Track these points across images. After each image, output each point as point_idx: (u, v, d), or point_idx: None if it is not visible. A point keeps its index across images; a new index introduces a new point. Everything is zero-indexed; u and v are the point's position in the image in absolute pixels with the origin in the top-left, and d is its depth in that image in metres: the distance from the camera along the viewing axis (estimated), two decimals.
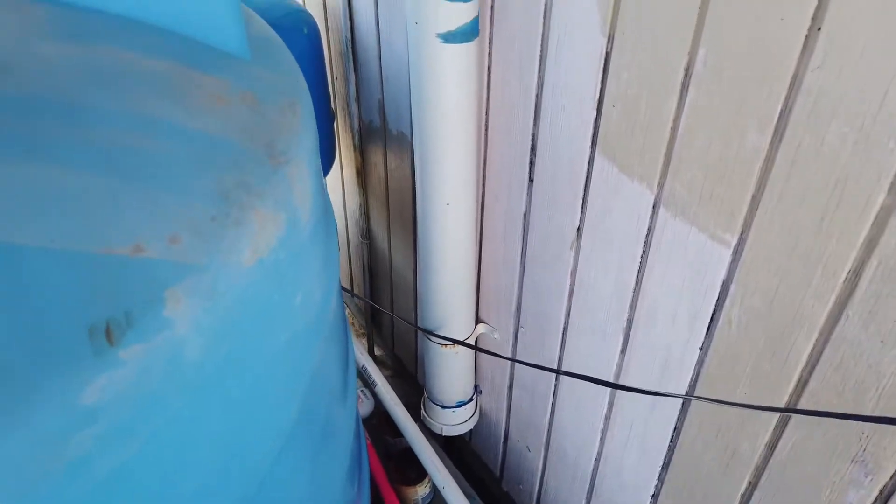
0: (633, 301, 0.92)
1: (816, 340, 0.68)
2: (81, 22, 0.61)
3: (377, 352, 2.04)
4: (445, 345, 1.27)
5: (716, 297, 0.79)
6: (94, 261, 0.46)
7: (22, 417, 0.41)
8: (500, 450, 1.50)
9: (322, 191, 0.76)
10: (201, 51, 0.65)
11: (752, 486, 0.84)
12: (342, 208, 1.85)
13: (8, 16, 0.56)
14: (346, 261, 1.99)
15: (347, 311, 2.22)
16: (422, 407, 1.47)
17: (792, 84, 0.61)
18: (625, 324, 0.95)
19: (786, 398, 0.75)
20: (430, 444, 1.32)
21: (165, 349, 0.48)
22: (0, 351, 0.41)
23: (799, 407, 0.73)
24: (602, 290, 0.97)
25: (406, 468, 1.24)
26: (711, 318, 0.81)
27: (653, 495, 1.04)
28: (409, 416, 1.26)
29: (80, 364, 0.43)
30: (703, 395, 0.86)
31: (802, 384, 0.72)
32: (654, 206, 0.82)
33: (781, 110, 0.63)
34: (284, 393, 0.66)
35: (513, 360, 1.05)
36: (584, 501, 1.24)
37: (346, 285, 2.07)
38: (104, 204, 0.49)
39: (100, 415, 0.45)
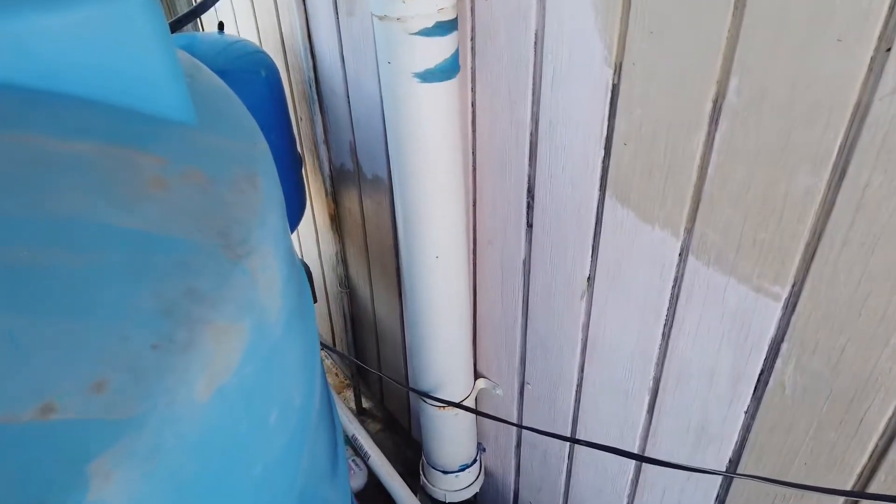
0: (659, 358, 0.81)
1: None
2: None
3: (365, 404, 1.91)
4: (443, 407, 1.15)
5: (763, 357, 0.68)
6: None
7: None
8: None
9: (292, 260, 0.64)
10: (135, 122, 0.53)
11: None
12: (317, 256, 1.72)
13: None
14: (324, 311, 1.85)
15: (329, 362, 2.08)
16: (421, 473, 1.34)
17: (855, 115, 0.51)
18: (651, 382, 0.84)
19: (857, 471, 0.64)
20: None
21: None
22: None
23: (872, 490, 0.62)
24: (622, 344, 0.86)
25: None
26: (758, 380, 0.70)
27: None
28: (407, 489, 1.13)
29: None
30: (749, 470, 0.74)
31: (877, 457, 0.61)
32: (680, 255, 0.71)
33: (841, 145, 0.53)
34: None
35: (520, 426, 0.93)
36: None
37: (327, 337, 1.94)
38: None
39: None
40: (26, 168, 0.44)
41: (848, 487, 0.65)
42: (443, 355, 1.09)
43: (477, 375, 1.22)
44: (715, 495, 0.83)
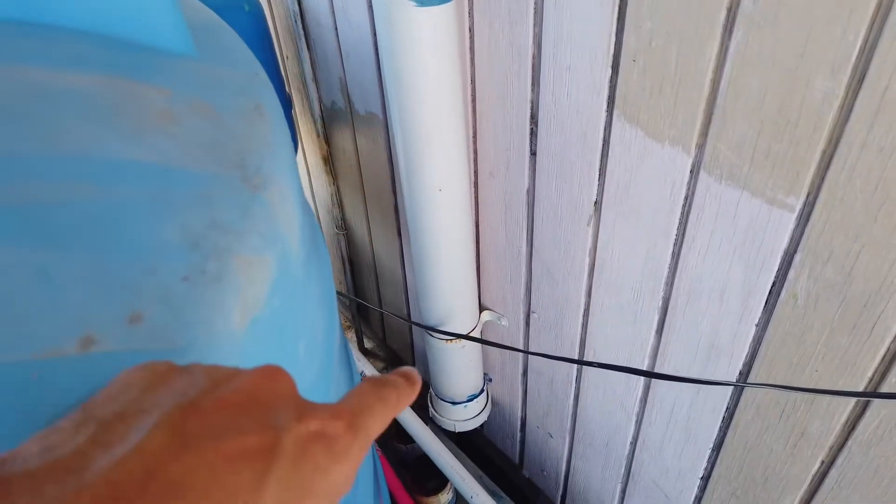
0: (669, 277, 0.82)
1: None
2: None
3: (367, 345, 1.93)
4: (449, 340, 1.16)
5: (776, 269, 0.68)
6: (27, 370, 0.34)
7: None
8: (518, 437, 1.41)
9: (304, 203, 0.63)
10: (134, 53, 0.51)
11: (827, 465, 0.76)
12: (311, 199, 1.70)
13: None
14: None
15: None
16: (430, 405, 1.36)
17: (876, 14, 0.50)
18: (660, 303, 0.85)
19: (868, 374, 0.66)
20: (448, 446, 1.22)
21: None
22: None
23: (884, 390, 0.64)
24: (630, 267, 0.86)
25: (424, 477, 1.14)
26: (770, 293, 0.71)
27: (702, 477, 0.96)
28: (420, 420, 1.15)
29: None
30: (760, 381, 0.76)
31: (889, 359, 0.63)
32: (691, 172, 0.71)
33: (861, 48, 0.52)
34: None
35: (527, 352, 0.94)
36: (619, 486, 1.16)
37: None
38: (32, 288, 0.36)
39: None
40: (27, 102, 0.43)
41: (859, 390, 0.67)
42: (448, 289, 1.10)
43: (482, 308, 1.23)
44: (725, 407, 0.85)
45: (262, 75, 0.59)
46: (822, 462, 0.76)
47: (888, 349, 0.63)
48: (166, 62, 0.51)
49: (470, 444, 1.64)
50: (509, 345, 1.22)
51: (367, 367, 1.27)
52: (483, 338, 1.30)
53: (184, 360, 0.36)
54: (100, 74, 0.48)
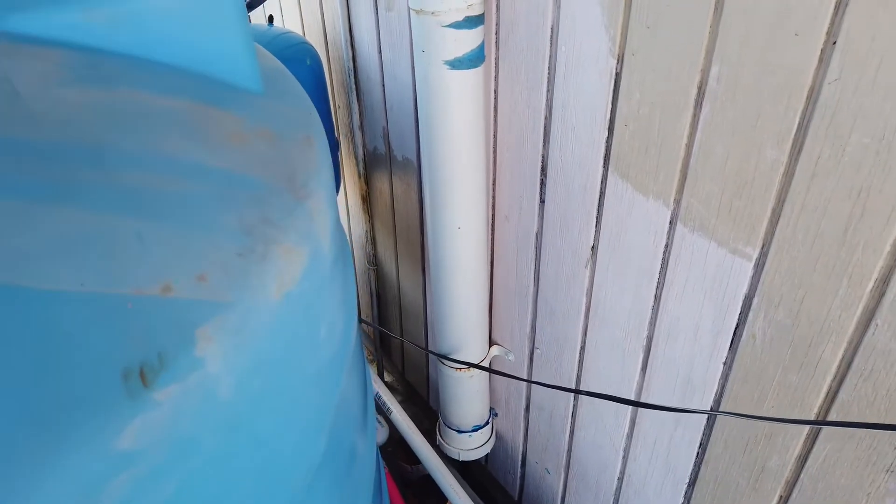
0: (652, 317, 0.92)
1: (845, 351, 0.68)
2: (98, 65, 0.61)
3: (387, 377, 2.03)
4: (460, 368, 1.26)
5: (738, 311, 0.78)
6: (124, 301, 0.46)
7: (58, 464, 0.40)
8: (518, 473, 1.48)
9: (338, 222, 0.76)
10: (216, 87, 0.66)
11: (784, 499, 0.83)
12: (348, 235, 1.85)
13: (28, 62, 0.56)
14: None
15: None
16: (437, 432, 1.46)
17: (809, 98, 0.62)
18: (644, 341, 0.95)
19: (815, 410, 0.74)
20: (450, 470, 1.31)
21: (198, 389, 0.48)
22: (34, 398, 0.41)
23: (829, 419, 0.72)
24: (620, 307, 0.97)
25: (424, 496, 1.23)
26: (735, 333, 0.80)
27: None
28: (426, 442, 1.24)
29: (115, 408, 0.43)
30: (728, 411, 0.85)
31: (832, 396, 0.72)
32: (671, 223, 0.82)
33: (799, 123, 0.63)
34: (314, 425, 0.65)
35: (529, 381, 1.04)
36: None
37: None
38: (132, 245, 0.49)
39: (136, 458, 0.44)
40: (137, 116, 0.57)
41: (811, 416, 0.75)
42: (462, 319, 1.21)
43: (492, 343, 1.34)
44: (699, 440, 0.93)
45: (315, 114, 0.74)
46: (781, 497, 0.84)
47: (829, 387, 0.72)
48: (241, 97, 0.66)
49: (472, 477, 1.71)
50: (510, 381, 1.31)
51: (381, 390, 1.37)
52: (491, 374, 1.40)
53: (233, 314, 0.49)
54: (191, 101, 0.62)
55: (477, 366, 1.21)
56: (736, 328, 0.80)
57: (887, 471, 0.69)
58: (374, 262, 1.71)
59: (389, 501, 1.19)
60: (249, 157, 0.60)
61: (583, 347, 1.09)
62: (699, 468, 0.95)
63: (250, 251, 0.52)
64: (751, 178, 0.70)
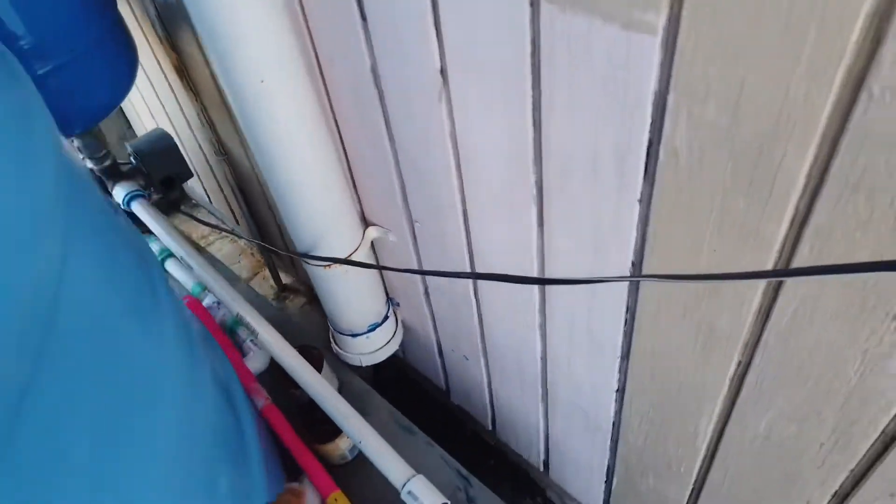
0: (536, 156, 0.64)
1: (819, 147, 0.42)
2: None
3: (286, 280, 1.76)
4: (327, 266, 0.99)
5: (649, 121, 0.51)
6: None
7: None
8: (440, 364, 1.27)
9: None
10: None
11: (744, 365, 0.61)
12: (185, 123, 1.49)
13: None
14: (214, 187, 1.65)
15: (242, 243, 1.91)
16: (332, 340, 1.21)
17: None
18: (534, 190, 0.68)
19: (776, 249, 0.49)
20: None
21: None
22: None
23: (798, 259, 0.48)
24: (495, 150, 0.69)
25: (320, 422, 1.00)
26: (648, 154, 0.53)
27: (617, 390, 0.82)
28: (302, 361, 1.00)
29: None
30: (654, 271, 0.60)
31: (800, 220, 0.47)
32: (531, 3, 0.52)
33: None
34: None
35: (413, 271, 0.77)
36: (541, 407, 1.02)
37: (229, 217, 1.75)
38: None
39: None
40: None
41: (767, 268, 0.51)
42: (309, 206, 0.92)
43: (367, 223, 1.06)
44: (624, 308, 0.69)
45: None
46: (739, 363, 0.62)
47: (796, 209, 0.46)
48: None
49: (396, 376, 1.50)
50: (404, 265, 1.05)
51: (244, 309, 1.09)
52: (378, 258, 1.13)
53: None
54: None
55: (343, 261, 0.93)
56: (649, 146, 0.53)
57: (892, 316, 0.46)
58: (221, 150, 1.37)
59: (277, 447, 0.96)
60: None
61: (465, 212, 0.83)
62: (630, 339, 0.72)
63: None
64: None
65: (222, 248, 1.92)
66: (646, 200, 0.57)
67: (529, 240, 0.74)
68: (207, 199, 1.84)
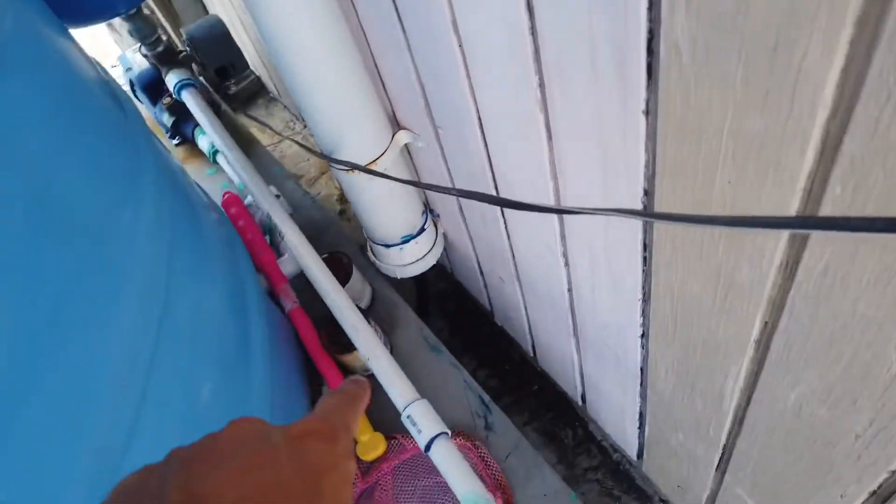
0: (535, 51, 0.52)
1: (854, 38, 0.28)
2: None
3: None
4: (349, 170, 0.92)
5: (645, 5, 0.38)
6: None
7: None
8: (482, 282, 1.19)
9: None
10: None
11: (770, 327, 0.49)
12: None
13: None
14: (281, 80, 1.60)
15: (314, 141, 1.87)
16: (368, 249, 1.16)
17: None
18: (538, 94, 0.56)
19: (802, 185, 0.36)
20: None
21: None
22: None
23: (826, 212, 0.35)
24: (495, 42, 0.57)
25: (340, 332, 0.96)
26: (650, 51, 0.41)
27: (641, 335, 0.71)
28: (322, 266, 0.95)
29: None
30: (666, 201, 0.48)
31: (832, 150, 0.33)
32: None
33: None
34: None
35: (418, 184, 0.67)
36: (572, 341, 0.93)
37: (297, 110, 1.70)
38: None
39: None
40: None
41: (792, 212, 0.38)
42: (326, 100, 0.84)
43: (399, 126, 0.97)
44: (641, 244, 0.58)
45: None
46: (765, 324, 0.49)
47: (825, 132, 0.33)
48: None
49: (447, 290, 1.44)
50: (434, 172, 0.96)
51: (274, 210, 1.05)
52: (413, 164, 1.05)
53: None
54: None
55: (363, 168, 0.85)
56: (650, 41, 0.40)
57: None
58: None
59: (300, 352, 0.93)
60: None
61: (479, 118, 0.72)
62: (649, 279, 0.61)
63: None
64: None
65: (293, 145, 1.90)
66: (653, 112, 0.44)
67: (541, 155, 0.63)
68: (277, 92, 1.81)
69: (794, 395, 0.52)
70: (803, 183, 0.36)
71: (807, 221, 0.31)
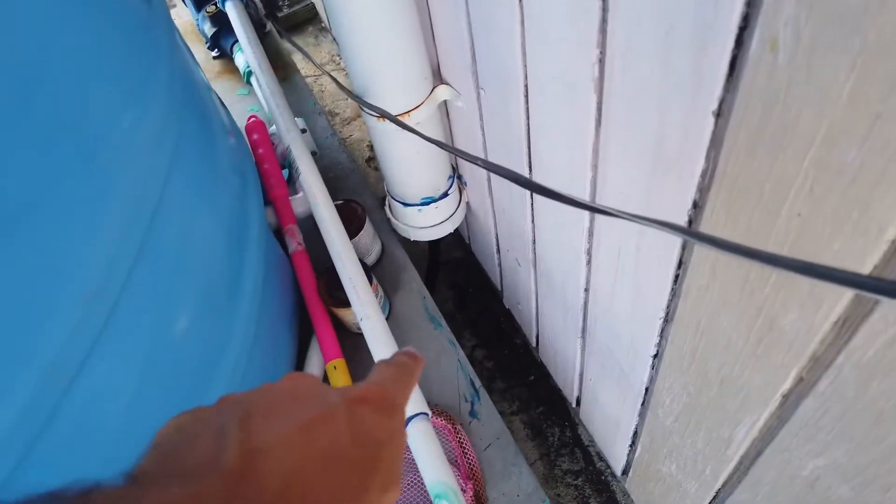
0: (602, 19, 0.45)
1: None
2: None
3: None
4: (380, 118, 0.85)
5: None
6: None
7: None
8: (496, 260, 1.13)
9: None
10: None
11: (806, 386, 0.43)
12: None
13: None
14: None
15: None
16: (386, 204, 1.10)
17: None
18: (595, 72, 0.49)
19: (887, 238, 0.30)
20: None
21: None
22: None
23: None
24: (556, 9, 0.50)
25: (338, 286, 0.91)
26: (738, 42, 0.34)
27: (654, 355, 0.65)
28: (334, 215, 0.89)
29: None
30: (717, 215, 0.41)
31: None
32: None
33: None
34: None
35: (452, 150, 0.60)
36: (579, 341, 0.87)
37: None
38: None
39: None
40: None
41: (868, 267, 0.31)
42: (364, 40, 0.77)
43: (441, 80, 0.90)
44: (676, 260, 0.51)
45: None
46: (800, 380, 0.43)
47: None
48: None
49: (460, 260, 1.38)
50: (470, 135, 0.90)
51: (299, 152, 0.99)
52: (449, 123, 0.98)
53: None
54: None
55: (392, 118, 0.79)
56: (741, 31, 0.33)
57: None
58: None
59: (296, 295, 0.88)
60: None
61: (526, 87, 0.65)
62: (676, 300, 0.54)
63: None
64: None
65: (338, 77, 1.83)
66: (725, 114, 0.37)
67: (585, 140, 0.56)
68: (328, 23, 1.73)
69: (812, 465, 0.45)
70: (892, 235, 0.29)
71: (887, 285, 0.24)
